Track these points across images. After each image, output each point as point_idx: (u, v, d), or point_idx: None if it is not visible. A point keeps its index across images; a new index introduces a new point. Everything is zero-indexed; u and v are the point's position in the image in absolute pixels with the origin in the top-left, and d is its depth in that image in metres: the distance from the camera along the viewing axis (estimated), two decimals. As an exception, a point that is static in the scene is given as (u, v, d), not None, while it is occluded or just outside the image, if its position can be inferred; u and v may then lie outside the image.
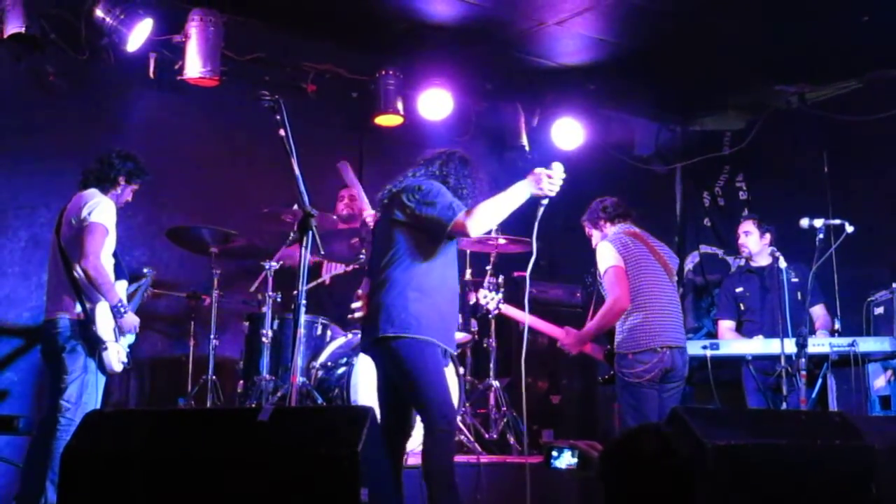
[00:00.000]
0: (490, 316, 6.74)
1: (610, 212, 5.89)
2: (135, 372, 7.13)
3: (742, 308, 7.04)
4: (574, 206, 8.95)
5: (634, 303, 5.58)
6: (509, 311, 6.42)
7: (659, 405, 5.48)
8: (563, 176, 4.36)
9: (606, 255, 5.68)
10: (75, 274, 5.44)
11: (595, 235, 5.96)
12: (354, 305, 6.40)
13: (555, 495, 5.50)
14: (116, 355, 5.48)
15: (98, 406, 5.53)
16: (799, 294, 6.56)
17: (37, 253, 6.66)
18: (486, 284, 6.57)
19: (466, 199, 4.53)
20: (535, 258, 4.45)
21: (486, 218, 4.33)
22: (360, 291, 6.36)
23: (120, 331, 5.54)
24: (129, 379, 7.12)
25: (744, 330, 6.98)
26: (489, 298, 6.45)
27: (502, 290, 6.55)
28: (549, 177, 4.32)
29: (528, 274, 4.56)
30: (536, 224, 4.41)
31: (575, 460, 3.07)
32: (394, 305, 4.33)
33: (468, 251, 7.19)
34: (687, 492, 2.40)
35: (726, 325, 7.06)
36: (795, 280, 6.61)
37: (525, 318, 6.11)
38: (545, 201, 4.38)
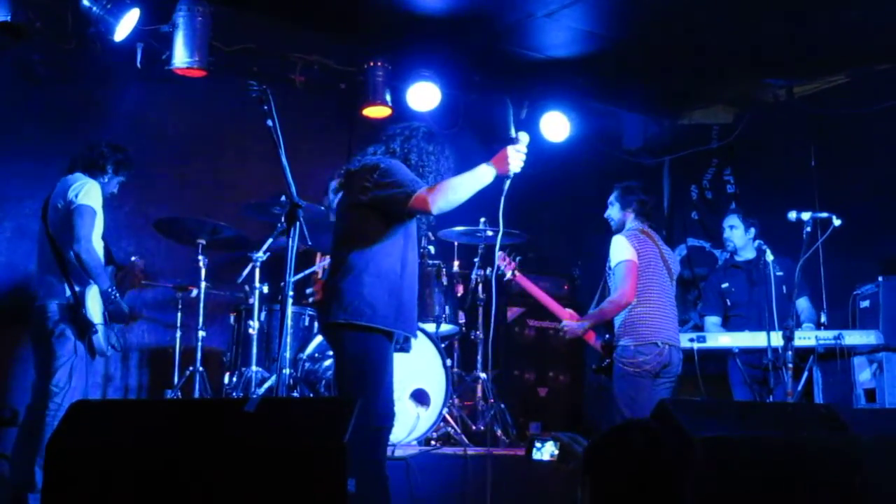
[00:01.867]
0: (504, 280, 6.75)
1: (646, 209, 6.04)
2: (121, 363, 7.13)
3: (728, 303, 7.06)
4: (561, 200, 9.03)
5: (640, 298, 5.72)
6: (523, 280, 6.53)
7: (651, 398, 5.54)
8: (526, 150, 4.23)
9: (622, 249, 5.79)
10: (66, 258, 5.44)
11: (614, 212, 6.07)
12: (309, 290, 6.42)
13: (536, 486, 5.52)
14: (106, 339, 5.48)
15: (87, 390, 5.55)
16: (784, 287, 6.59)
17: (22, 243, 6.63)
18: (502, 255, 6.59)
19: (428, 176, 4.43)
20: (501, 232, 4.40)
21: (448, 195, 4.17)
22: (318, 272, 6.37)
23: (110, 316, 5.54)
24: (115, 369, 7.11)
25: (730, 325, 7.00)
26: (507, 262, 6.50)
27: (518, 257, 6.58)
28: (518, 153, 4.19)
29: (497, 248, 4.57)
30: (503, 199, 4.27)
31: (556, 452, 3.08)
32: (348, 290, 4.21)
33: (456, 243, 7.19)
34: (674, 486, 2.41)
35: (712, 321, 7.09)
36: (780, 274, 6.64)
37: (536, 290, 6.26)
38: (512, 174, 4.25)
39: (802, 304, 6.86)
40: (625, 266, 5.72)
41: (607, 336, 5.85)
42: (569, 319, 6.06)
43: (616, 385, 5.72)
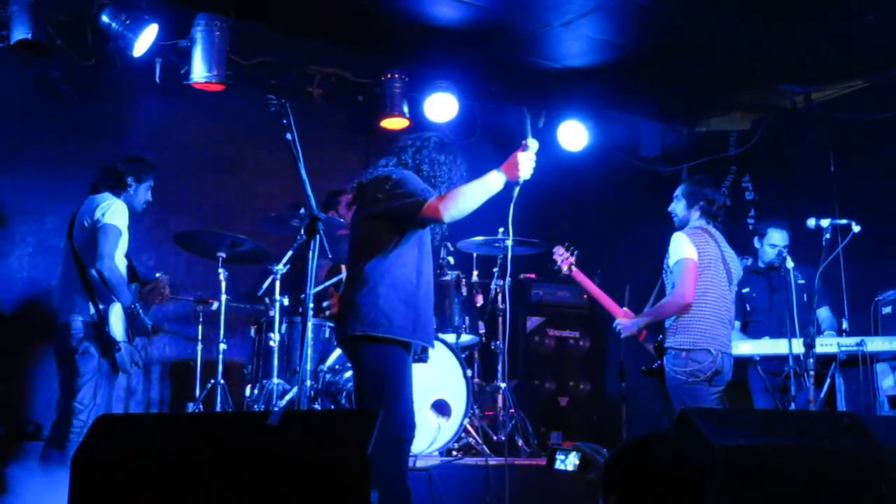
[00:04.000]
0: (561, 275, 6.63)
1: (713, 209, 5.78)
2: (144, 376, 7.16)
3: (748, 308, 7.00)
4: (580, 208, 9.03)
5: (696, 300, 5.53)
6: (579, 276, 6.31)
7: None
8: (535, 157, 4.24)
9: (682, 246, 5.58)
10: (89, 276, 5.49)
11: (678, 208, 5.84)
12: (326, 303, 6.43)
13: (557, 496, 5.51)
14: (130, 356, 5.52)
15: (111, 407, 5.58)
16: (805, 296, 6.55)
17: (45, 259, 6.69)
18: (559, 249, 6.45)
19: (441, 186, 4.43)
20: (511, 239, 4.41)
21: (459, 203, 4.17)
22: (332, 288, 6.39)
23: (134, 332, 5.58)
24: (137, 382, 7.14)
25: (749, 330, 6.95)
26: (564, 257, 6.38)
27: (576, 252, 6.45)
28: (528, 159, 4.20)
29: (509, 256, 4.58)
30: (512, 206, 4.29)
31: (577, 462, 3.08)
32: (364, 302, 4.22)
33: (475, 254, 7.19)
34: (698, 499, 2.40)
35: None
36: (802, 282, 6.60)
37: (592, 287, 6.14)
38: (521, 180, 4.26)
39: (823, 313, 6.82)
40: (684, 265, 5.51)
41: (660, 337, 5.72)
42: (623, 317, 5.90)
43: (674, 396, 5.53)
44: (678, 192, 5.89)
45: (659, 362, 5.69)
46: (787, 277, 6.31)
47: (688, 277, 5.49)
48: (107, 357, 5.47)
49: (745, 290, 6.98)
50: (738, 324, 6.98)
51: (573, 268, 6.34)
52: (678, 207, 5.85)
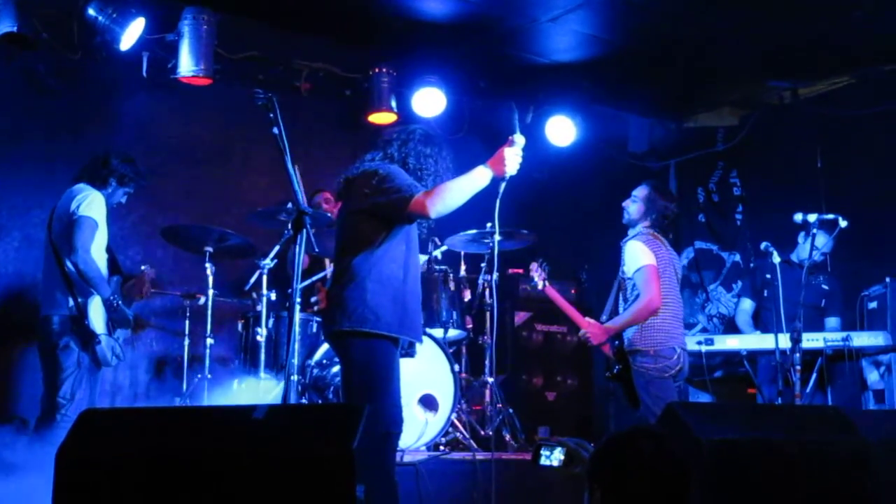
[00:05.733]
0: (535, 291, 6.68)
1: (664, 224, 5.89)
2: (130, 371, 7.14)
3: (765, 294, 6.98)
4: (568, 203, 9.03)
5: None
6: (551, 291, 6.44)
7: None
8: (522, 152, 4.28)
9: (641, 253, 5.69)
10: (67, 269, 5.46)
11: (633, 209, 5.88)
12: (314, 299, 6.42)
13: (543, 491, 5.52)
14: (111, 349, 5.49)
15: (94, 401, 5.56)
16: (823, 301, 6.61)
17: (31, 253, 6.65)
18: (534, 266, 6.54)
19: (427, 178, 4.44)
20: (497, 235, 4.46)
21: (446, 198, 4.19)
22: (319, 283, 6.38)
23: (113, 325, 5.56)
24: (124, 378, 7.12)
25: (761, 316, 6.97)
26: (537, 274, 6.46)
27: (548, 267, 6.52)
28: (514, 155, 4.24)
29: (496, 251, 4.60)
30: (498, 201, 4.33)
31: (562, 457, 3.08)
32: (351, 297, 4.23)
33: (462, 252, 7.18)
34: (683, 492, 2.41)
35: (744, 307, 7.07)
36: (826, 287, 6.66)
37: (561, 301, 6.25)
38: (508, 176, 4.29)
39: (832, 322, 6.80)
40: (646, 271, 5.62)
41: (617, 343, 5.78)
42: (589, 326, 5.89)
43: (644, 392, 5.59)
44: (638, 193, 5.92)
45: (619, 367, 5.74)
46: (775, 272, 6.34)
47: (653, 282, 5.61)
48: (87, 350, 5.45)
49: (769, 275, 6.87)
50: (752, 305, 7.00)
51: (546, 283, 6.42)
52: (633, 208, 5.91)
